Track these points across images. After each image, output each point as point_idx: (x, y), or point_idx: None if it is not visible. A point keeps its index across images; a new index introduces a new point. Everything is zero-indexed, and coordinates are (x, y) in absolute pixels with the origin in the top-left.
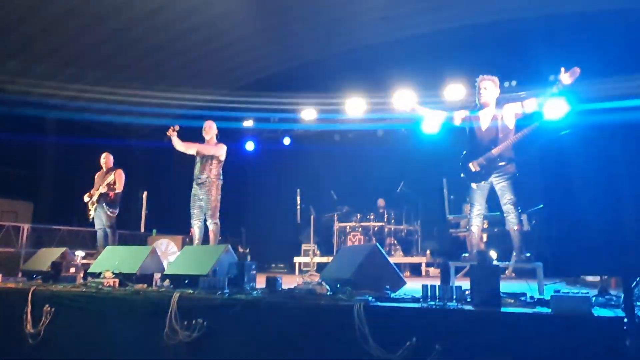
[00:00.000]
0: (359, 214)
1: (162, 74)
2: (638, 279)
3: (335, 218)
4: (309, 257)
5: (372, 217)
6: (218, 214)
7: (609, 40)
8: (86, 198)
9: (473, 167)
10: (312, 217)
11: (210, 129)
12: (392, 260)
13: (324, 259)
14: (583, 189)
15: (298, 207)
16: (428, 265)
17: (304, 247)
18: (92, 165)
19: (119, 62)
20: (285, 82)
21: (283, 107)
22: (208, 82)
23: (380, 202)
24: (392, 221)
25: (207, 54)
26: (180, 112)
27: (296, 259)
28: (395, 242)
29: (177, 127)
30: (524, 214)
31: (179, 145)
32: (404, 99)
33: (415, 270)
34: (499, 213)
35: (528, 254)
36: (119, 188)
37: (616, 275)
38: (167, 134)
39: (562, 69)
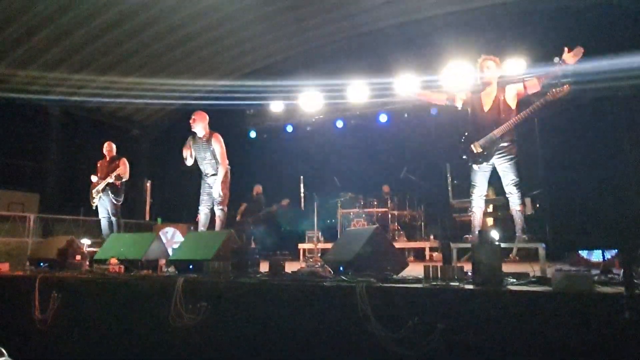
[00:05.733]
0: (362, 200)
1: (165, 62)
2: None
3: (339, 204)
4: (313, 243)
5: (375, 203)
6: (227, 201)
7: (616, 21)
8: (94, 178)
9: (475, 148)
10: (315, 203)
11: (201, 121)
12: (396, 245)
13: (328, 245)
14: (583, 163)
15: (301, 194)
16: (432, 250)
17: (308, 233)
18: (96, 155)
19: (122, 52)
20: (288, 69)
21: (286, 94)
22: (211, 71)
23: (385, 188)
24: (396, 207)
25: (209, 42)
26: (183, 101)
27: (300, 246)
28: (399, 227)
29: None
30: (528, 198)
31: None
32: (406, 84)
33: (419, 255)
34: (503, 197)
35: (530, 234)
36: (126, 176)
37: (615, 248)
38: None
39: (566, 49)
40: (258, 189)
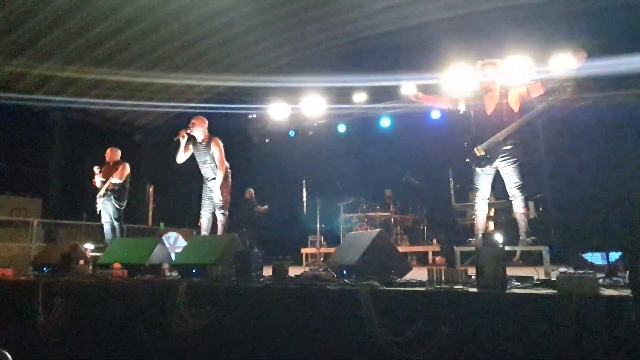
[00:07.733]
0: (364, 205)
1: (167, 67)
2: None
3: (341, 209)
4: (315, 248)
5: (377, 207)
6: (228, 205)
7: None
8: (98, 180)
9: (478, 151)
10: (318, 208)
11: (200, 126)
12: (398, 249)
13: (331, 250)
14: (586, 166)
15: (304, 198)
16: (435, 254)
17: (310, 238)
18: (99, 160)
19: (124, 57)
20: (290, 74)
21: (288, 98)
22: (214, 75)
23: (387, 192)
24: (398, 211)
25: (212, 47)
26: (185, 106)
27: (303, 250)
28: (402, 231)
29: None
30: (531, 201)
31: (181, 156)
32: (408, 88)
33: (422, 259)
34: (505, 200)
35: (533, 237)
36: (117, 179)
37: (620, 250)
38: (180, 135)
39: (569, 53)
40: (250, 192)
